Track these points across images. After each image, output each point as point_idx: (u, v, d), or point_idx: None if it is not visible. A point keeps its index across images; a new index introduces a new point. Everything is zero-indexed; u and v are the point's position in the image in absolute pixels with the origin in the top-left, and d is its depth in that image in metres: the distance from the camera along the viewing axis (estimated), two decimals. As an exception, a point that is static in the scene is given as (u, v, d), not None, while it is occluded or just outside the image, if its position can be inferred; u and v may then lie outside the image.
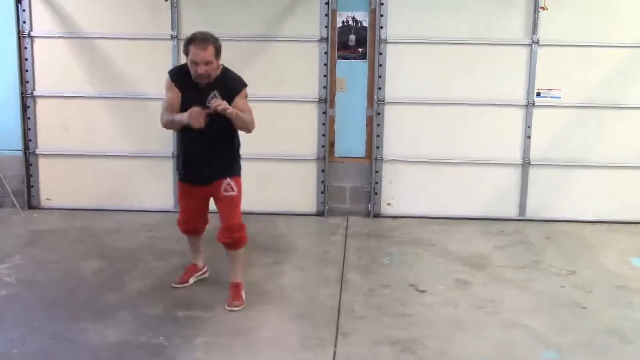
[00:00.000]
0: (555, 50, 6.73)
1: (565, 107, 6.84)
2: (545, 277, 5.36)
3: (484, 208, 6.99)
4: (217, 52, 4.36)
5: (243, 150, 4.78)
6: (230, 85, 4.51)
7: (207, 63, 4.31)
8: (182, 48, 4.60)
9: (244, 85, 4.56)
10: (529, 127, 6.86)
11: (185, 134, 4.58)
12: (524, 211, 6.99)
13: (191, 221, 4.85)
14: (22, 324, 4.30)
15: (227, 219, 4.60)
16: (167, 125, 4.56)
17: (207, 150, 4.55)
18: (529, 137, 6.87)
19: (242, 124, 4.49)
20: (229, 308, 4.59)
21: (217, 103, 4.31)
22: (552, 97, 6.81)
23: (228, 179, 4.60)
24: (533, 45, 6.70)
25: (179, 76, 4.54)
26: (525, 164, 6.92)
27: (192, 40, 4.34)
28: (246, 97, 4.58)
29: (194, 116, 4.28)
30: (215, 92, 4.42)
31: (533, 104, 6.81)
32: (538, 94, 6.81)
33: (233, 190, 4.60)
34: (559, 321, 4.49)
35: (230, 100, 4.41)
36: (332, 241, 6.23)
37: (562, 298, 4.91)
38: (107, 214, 6.93)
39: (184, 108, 4.42)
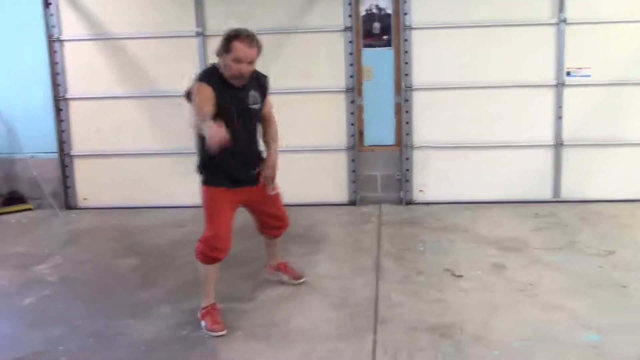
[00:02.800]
0: (583, 28, 6.63)
1: (595, 86, 6.73)
2: (583, 258, 5.29)
3: (517, 191, 6.92)
4: (259, 53, 4.05)
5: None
6: (262, 82, 4.28)
7: (250, 62, 4.00)
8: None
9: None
10: (559, 107, 6.77)
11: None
12: (558, 193, 6.91)
13: (229, 235, 4.21)
14: (64, 322, 4.39)
15: (281, 212, 4.58)
16: (197, 128, 3.99)
17: (253, 147, 4.29)
18: (560, 117, 6.79)
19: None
20: (301, 280, 4.88)
21: (274, 190, 4.34)
22: (582, 76, 6.71)
23: None
24: (560, 24, 6.61)
25: (211, 81, 4.04)
26: (558, 145, 6.84)
27: (237, 36, 3.95)
28: None
29: (221, 138, 3.63)
30: (256, 94, 4.17)
31: (563, 84, 6.72)
32: (568, 74, 6.72)
33: (278, 187, 4.45)
34: (599, 302, 4.43)
35: (264, 98, 4.27)
36: (366, 230, 6.23)
37: (601, 278, 4.84)
38: (141, 211, 7.05)
39: (222, 115, 3.98)
